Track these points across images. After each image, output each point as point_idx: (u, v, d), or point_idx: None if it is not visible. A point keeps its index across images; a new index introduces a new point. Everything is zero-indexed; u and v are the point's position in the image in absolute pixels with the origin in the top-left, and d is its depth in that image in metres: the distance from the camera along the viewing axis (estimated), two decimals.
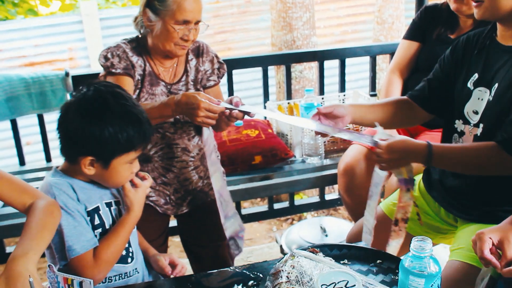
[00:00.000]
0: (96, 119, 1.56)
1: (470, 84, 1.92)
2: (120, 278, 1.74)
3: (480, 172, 1.84)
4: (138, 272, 1.79)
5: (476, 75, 1.91)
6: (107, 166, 1.61)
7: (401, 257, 1.39)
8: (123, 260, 1.74)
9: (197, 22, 2.12)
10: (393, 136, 1.88)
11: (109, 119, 1.57)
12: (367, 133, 2.82)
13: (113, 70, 2.12)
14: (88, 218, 1.65)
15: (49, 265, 1.20)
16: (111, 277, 1.72)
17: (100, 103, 1.58)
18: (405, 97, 2.16)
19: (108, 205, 1.72)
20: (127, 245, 1.74)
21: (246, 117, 1.98)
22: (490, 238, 1.55)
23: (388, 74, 2.87)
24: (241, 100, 1.96)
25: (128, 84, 2.13)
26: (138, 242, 1.89)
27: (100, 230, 1.68)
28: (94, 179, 1.68)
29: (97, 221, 1.67)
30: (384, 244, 1.95)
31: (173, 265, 1.86)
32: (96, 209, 1.67)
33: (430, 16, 2.74)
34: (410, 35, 2.83)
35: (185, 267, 1.88)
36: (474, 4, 1.80)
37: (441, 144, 1.91)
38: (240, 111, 1.94)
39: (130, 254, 1.77)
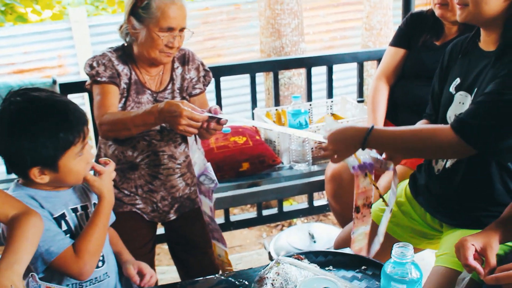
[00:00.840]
0: (22, 131, 1.53)
1: (452, 89, 1.93)
2: (91, 283, 1.71)
3: (427, 154, 1.84)
4: (109, 277, 1.77)
5: (458, 80, 1.92)
6: (56, 169, 1.58)
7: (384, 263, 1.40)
8: None
9: (182, 29, 2.12)
10: (337, 124, 1.87)
11: (36, 126, 1.53)
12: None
13: (99, 79, 2.12)
14: (55, 223, 1.63)
15: (31, 275, 1.19)
16: (82, 282, 1.69)
17: (20, 114, 1.54)
18: (424, 120, 2.14)
19: (74, 210, 1.70)
20: None
21: (234, 124, 1.98)
22: (472, 244, 1.56)
23: (375, 80, 2.87)
24: (219, 109, 1.96)
25: (113, 93, 2.13)
26: (113, 243, 1.89)
27: (68, 235, 1.65)
28: (53, 186, 1.65)
29: (64, 227, 1.65)
30: (369, 250, 1.95)
31: (142, 273, 1.85)
32: (62, 216, 1.66)
33: (415, 22, 2.75)
34: (396, 42, 2.83)
35: (154, 276, 1.86)
36: (458, 6, 1.81)
37: (386, 128, 1.89)
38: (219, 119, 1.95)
39: (101, 258, 1.74)
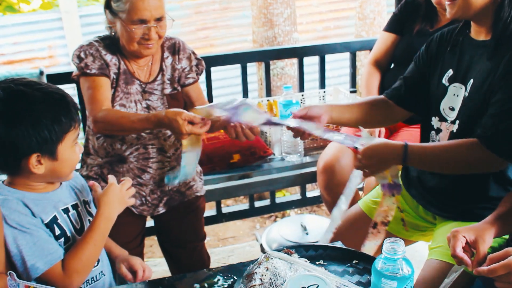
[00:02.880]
0: (23, 115, 1.48)
1: (445, 81, 1.91)
2: (88, 284, 1.67)
3: (459, 170, 1.82)
4: (104, 275, 1.73)
5: (450, 71, 1.90)
6: (55, 155, 1.53)
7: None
8: None
9: (159, 19, 2.05)
10: (373, 140, 1.87)
11: (38, 108, 1.49)
12: (345, 132, 2.81)
13: (88, 71, 2.07)
14: (48, 230, 1.57)
15: (9, 273, 1.16)
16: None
17: (18, 98, 1.49)
18: (382, 96, 2.14)
19: (65, 211, 1.65)
20: None
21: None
22: (464, 236, 1.54)
23: (367, 66, 2.90)
24: None
25: (105, 86, 2.09)
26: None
27: (62, 239, 1.60)
28: (46, 180, 1.60)
29: (57, 231, 1.59)
30: (361, 243, 1.93)
31: (133, 270, 1.79)
32: (54, 219, 1.59)
33: (410, 9, 2.75)
34: (389, 27, 2.86)
35: (148, 269, 1.80)
36: (447, 3, 1.79)
37: (418, 144, 1.89)
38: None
39: None
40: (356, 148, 1.87)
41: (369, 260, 1.60)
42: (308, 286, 1.21)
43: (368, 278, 1.53)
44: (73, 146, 1.59)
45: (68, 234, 1.62)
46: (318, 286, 1.21)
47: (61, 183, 1.67)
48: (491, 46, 1.75)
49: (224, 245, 3.82)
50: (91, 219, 1.69)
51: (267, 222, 4.18)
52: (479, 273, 1.43)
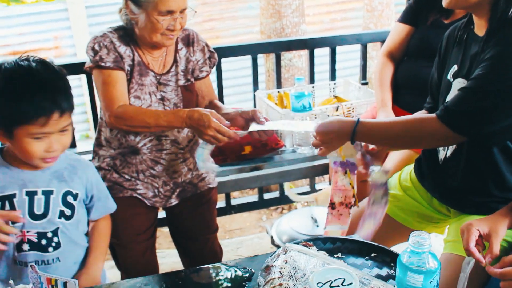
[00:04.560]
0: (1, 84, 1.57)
1: (450, 76, 1.90)
2: (37, 264, 1.69)
3: (411, 144, 1.86)
4: (60, 261, 1.73)
5: (455, 67, 1.89)
6: (11, 136, 1.58)
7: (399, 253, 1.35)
8: (42, 248, 1.69)
9: (182, 10, 2.04)
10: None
11: (7, 89, 1.56)
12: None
13: (102, 64, 2.05)
14: None
15: (31, 265, 1.15)
16: (28, 262, 1.67)
17: (5, 74, 1.58)
18: (423, 111, 2.12)
19: (31, 193, 1.67)
20: (51, 235, 1.70)
21: (235, 107, 1.96)
22: (477, 230, 1.53)
23: (380, 57, 2.86)
24: (258, 113, 2.03)
25: (121, 80, 2.07)
26: (94, 235, 1.86)
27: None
28: (19, 156, 1.64)
29: (7, 208, 1.63)
30: (374, 236, 1.93)
31: None
32: (10, 197, 1.64)
33: (425, 1, 2.72)
34: (404, 18, 2.82)
35: None
36: None
37: (372, 120, 1.88)
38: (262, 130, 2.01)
39: (54, 244, 1.71)
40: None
41: (387, 253, 1.59)
42: (335, 280, 1.20)
43: (387, 271, 1.52)
44: (32, 138, 1.58)
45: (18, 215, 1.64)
46: (344, 279, 1.19)
47: (49, 167, 1.70)
48: (484, 40, 1.73)
49: (231, 237, 3.81)
50: (64, 209, 1.72)
51: (274, 214, 4.17)
52: (491, 274, 1.42)
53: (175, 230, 2.44)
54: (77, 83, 5.31)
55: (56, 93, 1.59)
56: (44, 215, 1.68)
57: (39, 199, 1.68)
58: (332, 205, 1.89)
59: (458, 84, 1.84)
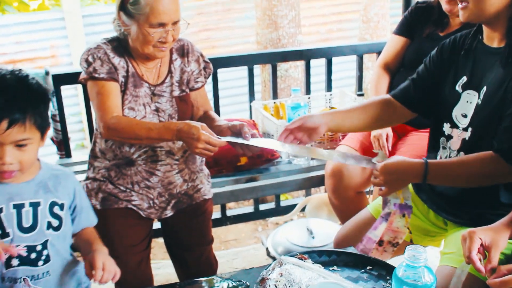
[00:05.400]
0: None
1: (458, 87, 1.90)
2: (30, 278, 1.59)
3: (478, 183, 1.81)
4: (49, 275, 1.67)
5: (464, 78, 1.88)
6: None
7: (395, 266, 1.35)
8: (32, 262, 1.63)
9: (175, 23, 2.03)
10: (391, 158, 1.86)
11: None
12: (345, 138, 2.81)
13: (96, 75, 2.04)
14: None
15: (23, 279, 1.13)
16: (17, 278, 1.60)
17: None
18: (386, 96, 2.13)
19: (18, 206, 1.62)
20: (40, 248, 1.63)
21: (231, 118, 1.95)
22: (480, 238, 1.52)
23: (376, 68, 2.88)
24: (249, 130, 1.98)
25: (115, 91, 2.06)
26: (86, 239, 1.78)
27: None
28: None
29: None
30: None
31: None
32: None
33: (420, 13, 2.74)
34: (399, 30, 2.84)
35: (108, 272, 1.60)
36: (460, 6, 1.78)
37: (436, 161, 1.88)
38: (244, 145, 1.98)
39: (43, 257, 1.66)
40: (373, 164, 1.87)
41: (384, 266, 1.59)
42: None
43: (383, 285, 1.51)
44: None
45: (7, 230, 1.59)
46: None
47: (33, 178, 1.64)
48: (505, 54, 1.73)
49: (227, 248, 3.79)
50: (52, 220, 1.66)
51: (269, 225, 4.16)
52: (492, 286, 1.41)
53: (170, 241, 2.42)
54: (73, 93, 5.31)
55: (10, 101, 1.48)
56: (32, 228, 1.63)
57: (27, 211, 1.62)
58: (380, 243, 1.87)
59: (468, 95, 1.85)
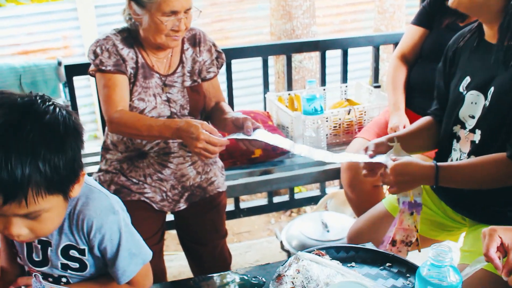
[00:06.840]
0: None
1: (462, 88, 1.86)
2: None
3: (490, 186, 1.78)
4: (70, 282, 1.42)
5: (468, 79, 1.84)
6: None
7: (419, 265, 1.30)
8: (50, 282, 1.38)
9: (187, 10, 2.00)
10: (402, 157, 1.83)
11: None
12: (361, 130, 2.78)
13: (103, 68, 2.02)
14: None
15: (34, 275, 1.10)
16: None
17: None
18: (429, 117, 2.11)
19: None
20: (57, 276, 1.38)
21: (246, 110, 1.91)
22: (500, 237, 1.48)
23: (393, 59, 2.82)
24: (253, 123, 1.92)
25: (121, 84, 2.03)
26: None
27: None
28: None
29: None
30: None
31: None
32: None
33: (440, 3, 2.67)
34: (418, 20, 2.77)
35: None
36: None
37: (447, 164, 1.84)
38: (247, 140, 1.92)
39: (64, 280, 1.40)
40: (386, 161, 1.84)
41: (403, 263, 1.55)
42: None
43: (403, 282, 1.47)
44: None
45: (20, 254, 1.39)
46: None
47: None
48: (501, 51, 1.68)
49: (239, 240, 3.77)
50: (69, 263, 1.38)
51: (282, 217, 4.12)
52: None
53: (184, 234, 2.39)
54: (86, 83, 5.30)
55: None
56: (43, 263, 1.37)
57: (36, 247, 1.36)
58: (393, 243, 1.86)
59: (472, 96, 1.81)
